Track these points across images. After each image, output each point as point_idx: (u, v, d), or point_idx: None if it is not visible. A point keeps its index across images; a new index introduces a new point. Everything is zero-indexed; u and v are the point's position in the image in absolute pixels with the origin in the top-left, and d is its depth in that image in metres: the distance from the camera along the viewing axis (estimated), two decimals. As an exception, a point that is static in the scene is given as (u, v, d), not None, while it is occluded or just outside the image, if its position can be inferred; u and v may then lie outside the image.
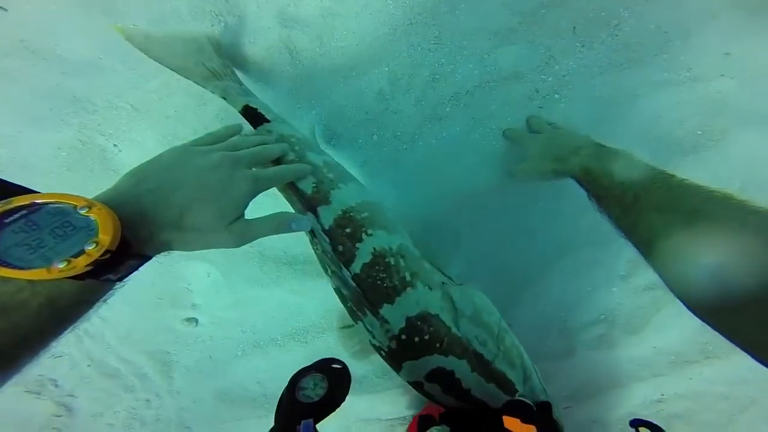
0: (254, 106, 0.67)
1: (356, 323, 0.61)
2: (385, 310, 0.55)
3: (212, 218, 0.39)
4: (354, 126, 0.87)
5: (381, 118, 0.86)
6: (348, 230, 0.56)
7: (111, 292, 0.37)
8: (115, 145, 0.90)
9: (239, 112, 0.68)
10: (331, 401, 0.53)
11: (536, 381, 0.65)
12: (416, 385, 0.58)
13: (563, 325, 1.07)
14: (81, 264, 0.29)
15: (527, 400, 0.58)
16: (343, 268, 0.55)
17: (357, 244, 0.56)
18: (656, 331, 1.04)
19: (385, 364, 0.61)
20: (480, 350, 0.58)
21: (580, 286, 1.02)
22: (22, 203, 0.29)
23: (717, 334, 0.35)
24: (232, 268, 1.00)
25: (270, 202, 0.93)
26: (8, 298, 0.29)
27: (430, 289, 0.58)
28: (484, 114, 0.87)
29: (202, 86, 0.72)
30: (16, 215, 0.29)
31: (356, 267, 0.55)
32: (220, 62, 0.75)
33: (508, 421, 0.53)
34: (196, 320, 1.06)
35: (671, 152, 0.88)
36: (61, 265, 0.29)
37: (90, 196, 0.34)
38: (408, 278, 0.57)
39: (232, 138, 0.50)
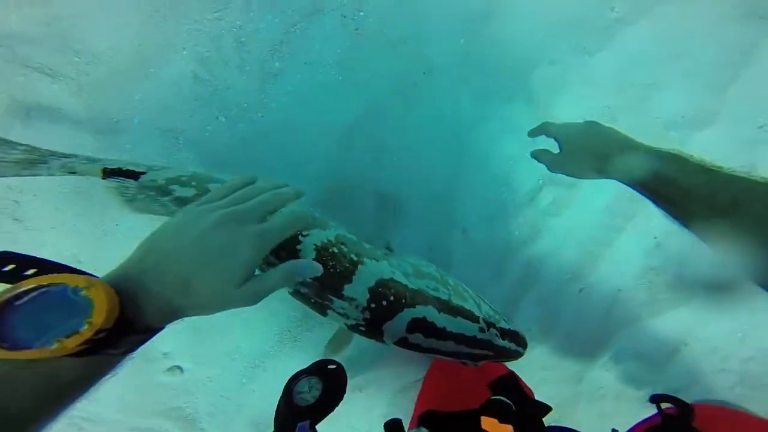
0: (113, 167, 0.67)
1: (326, 314, 0.63)
2: (347, 289, 0.58)
3: (219, 283, 0.38)
4: (191, 117, 0.85)
5: (215, 98, 0.85)
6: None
7: (118, 366, 0.37)
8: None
9: (102, 178, 0.66)
10: (328, 402, 0.55)
11: (486, 306, 0.71)
12: (402, 342, 0.61)
13: (516, 207, 1.02)
14: (70, 345, 0.30)
15: (506, 400, 0.61)
16: None
17: (297, 246, 0.58)
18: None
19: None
20: (436, 294, 0.63)
21: (499, 167, 0.99)
22: (30, 286, 0.31)
23: None
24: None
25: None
26: (6, 374, 0.30)
27: (377, 261, 0.63)
28: (313, 54, 0.86)
29: (34, 175, 0.69)
30: (25, 298, 0.31)
31: None
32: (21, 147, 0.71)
33: (486, 422, 0.56)
34: (180, 368, 1.09)
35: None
36: (53, 346, 0.30)
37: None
38: (355, 258, 0.61)
39: (242, 189, 0.46)
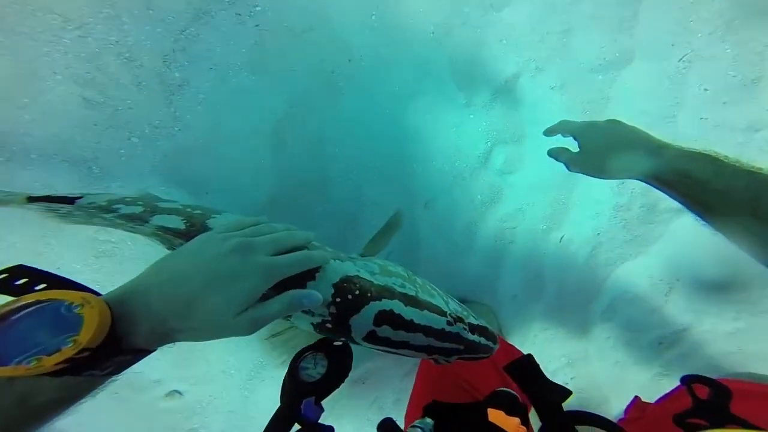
0: (40, 195, 0.62)
1: (289, 316, 0.60)
2: (311, 286, 0.55)
3: (219, 308, 0.38)
4: (97, 143, 0.77)
5: (118, 120, 0.78)
6: None
7: (100, 387, 0.36)
8: None
9: (26, 204, 0.61)
10: (333, 379, 0.54)
11: (454, 303, 0.71)
12: (371, 336, 0.59)
13: (472, 173, 0.98)
14: (49, 363, 0.29)
15: (512, 392, 0.59)
16: None
17: None
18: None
19: None
20: (403, 290, 0.62)
21: (444, 137, 0.95)
22: (29, 301, 0.31)
23: None
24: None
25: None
26: None
27: (342, 261, 0.61)
28: (216, 58, 0.79)
29: None
30: (22, 312, 0.31)
31: None
32: None
33: (493, 414, 0.54)
34: (178, 392, 1.10)
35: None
36: (30, 364, 0.29)
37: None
38: None
39: (258, 226, 0.48)
